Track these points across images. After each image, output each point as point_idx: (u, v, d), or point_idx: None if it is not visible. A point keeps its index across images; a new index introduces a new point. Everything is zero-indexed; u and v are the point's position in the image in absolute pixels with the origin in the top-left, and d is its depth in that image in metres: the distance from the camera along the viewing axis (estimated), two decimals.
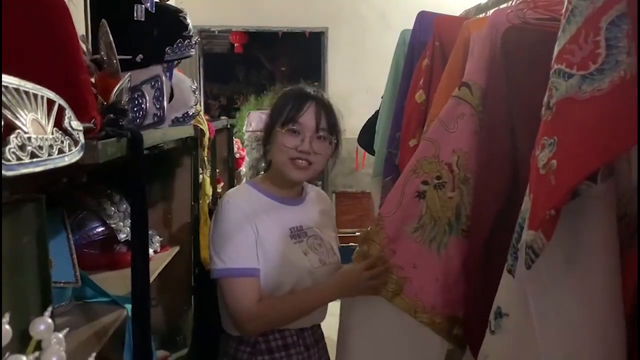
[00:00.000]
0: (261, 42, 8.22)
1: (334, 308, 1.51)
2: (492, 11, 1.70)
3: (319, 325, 1.57)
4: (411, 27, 2.16)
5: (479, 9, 1.90)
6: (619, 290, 0.89)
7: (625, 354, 0.87)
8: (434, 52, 1.86)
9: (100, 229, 1.55)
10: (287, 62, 8.76)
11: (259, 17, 5.04)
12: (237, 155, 3.23)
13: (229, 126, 3.03)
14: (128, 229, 1.58)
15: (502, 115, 1.28)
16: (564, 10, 0.88)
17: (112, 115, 0.82)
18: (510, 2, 1.51)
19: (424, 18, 2.11)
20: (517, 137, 1.24)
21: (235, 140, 3.20)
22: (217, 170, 3.42)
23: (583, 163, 0.80)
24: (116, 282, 1.38)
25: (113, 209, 1.57)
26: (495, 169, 1.26)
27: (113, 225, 1.54)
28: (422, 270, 1.37)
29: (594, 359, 0.88)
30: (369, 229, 1.43)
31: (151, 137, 1.05)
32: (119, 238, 1.54)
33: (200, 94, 6.82)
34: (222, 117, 4.14)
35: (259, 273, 1.38)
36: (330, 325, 1.58)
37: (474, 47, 1.45)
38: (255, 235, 1.39)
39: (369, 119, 2.89)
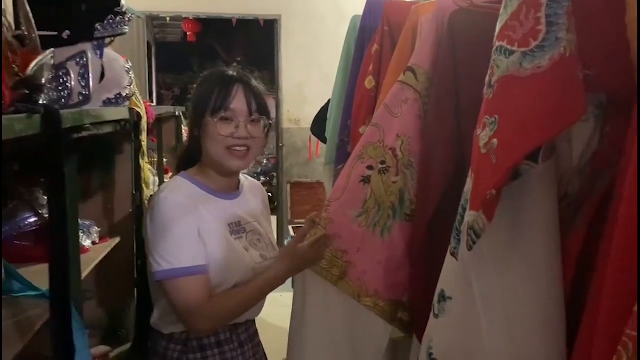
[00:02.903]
0: (216, 31, 8.06)
1: (288, 299, 1.49)
2: None
3: (254, 322, 1.53)
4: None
5: None
6: (560, 270, 0.88)
7: (566, 334, 0.86)
8: (383, 38, 1.85)
9: (32, 220, 1.47)
10: (242, 51, 8.64)
11: (210, 3, 4.91)
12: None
13: (177, 114, 2.92)
14: None
15: (447, 98, 1.27)
16: None
17: (26, 90, 0.75)
18: None
19: (373, 3, 2.09)
20: (462, 120, 1.23)
21: (184, 129, 3.10)
22: (165, 160, 3.32)
23: (523, 141, 0.79)
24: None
25: (46, 198, 1.49)
26: (439, 152, 1.25)
27: (46, 216, 1.47)
28: (366, 254, 1.36)
29: (537, 339, 0.87)
30: (315, 214, 1.41)
31: (76, 117, 0.98)
32: None
33: (152, 84, 6.64)
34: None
35: (206, 269, 1.32)
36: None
37: (422, 31, 1.44)
38: (198, 231, 1.33)
39: (321, 108, 2.87)
